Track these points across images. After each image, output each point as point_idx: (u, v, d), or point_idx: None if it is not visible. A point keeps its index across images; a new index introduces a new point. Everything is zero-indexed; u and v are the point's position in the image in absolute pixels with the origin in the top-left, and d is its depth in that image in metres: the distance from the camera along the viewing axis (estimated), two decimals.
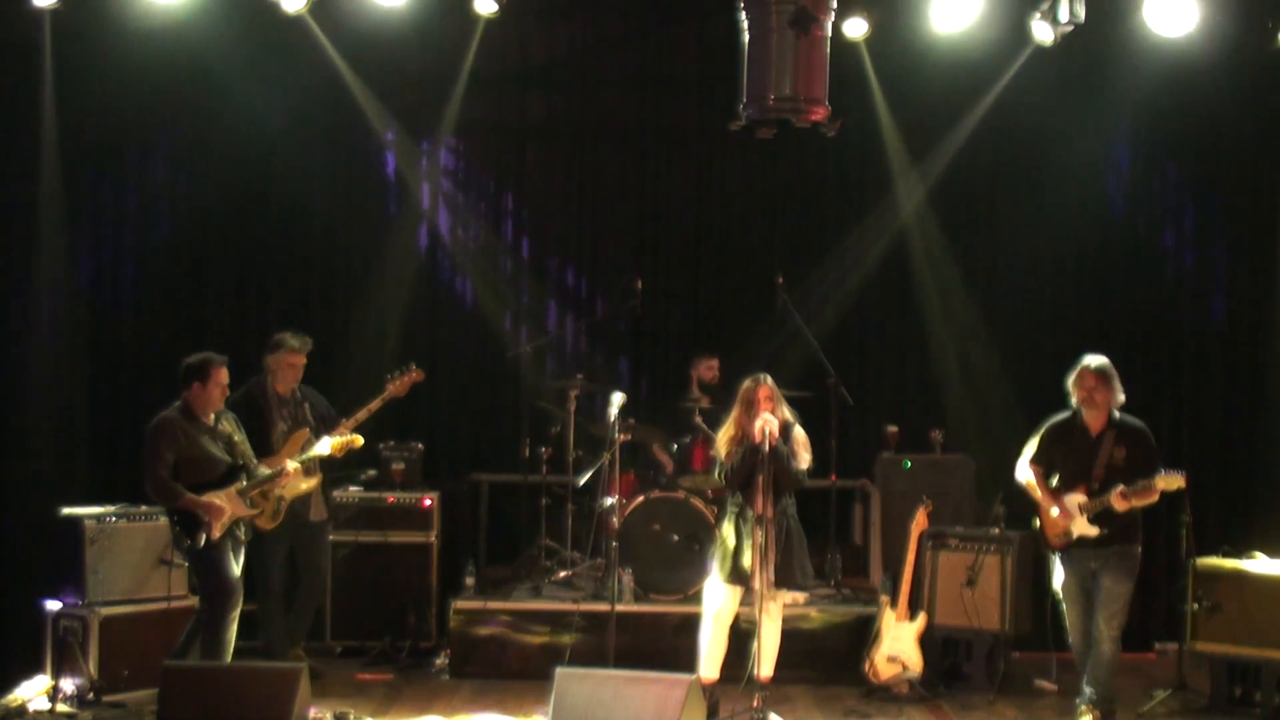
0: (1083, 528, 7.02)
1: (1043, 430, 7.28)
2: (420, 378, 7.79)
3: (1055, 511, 7.10)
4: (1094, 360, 7.14)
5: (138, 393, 9.05)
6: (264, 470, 7.17)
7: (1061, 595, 7.25)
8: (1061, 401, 7.28)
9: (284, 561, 7.87)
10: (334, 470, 8.21)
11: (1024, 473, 7.28)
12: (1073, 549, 7.09)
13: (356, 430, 7.58)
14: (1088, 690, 7.13)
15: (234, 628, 6.92)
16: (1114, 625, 7.02)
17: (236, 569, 6.99)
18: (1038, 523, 7.25)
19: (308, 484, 7.66)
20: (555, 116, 9.96)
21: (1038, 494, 7.21)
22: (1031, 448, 7.29)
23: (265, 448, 7.56)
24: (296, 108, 9.38)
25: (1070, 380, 7.16)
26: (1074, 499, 7.06)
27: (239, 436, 7.15)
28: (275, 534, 7.64)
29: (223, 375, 7.04)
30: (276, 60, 9.19)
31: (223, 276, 9.50)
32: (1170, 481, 6.85)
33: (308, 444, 7.51)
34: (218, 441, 7.03)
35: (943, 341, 9.75)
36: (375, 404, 7.65)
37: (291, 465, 7.29)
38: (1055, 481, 7.20)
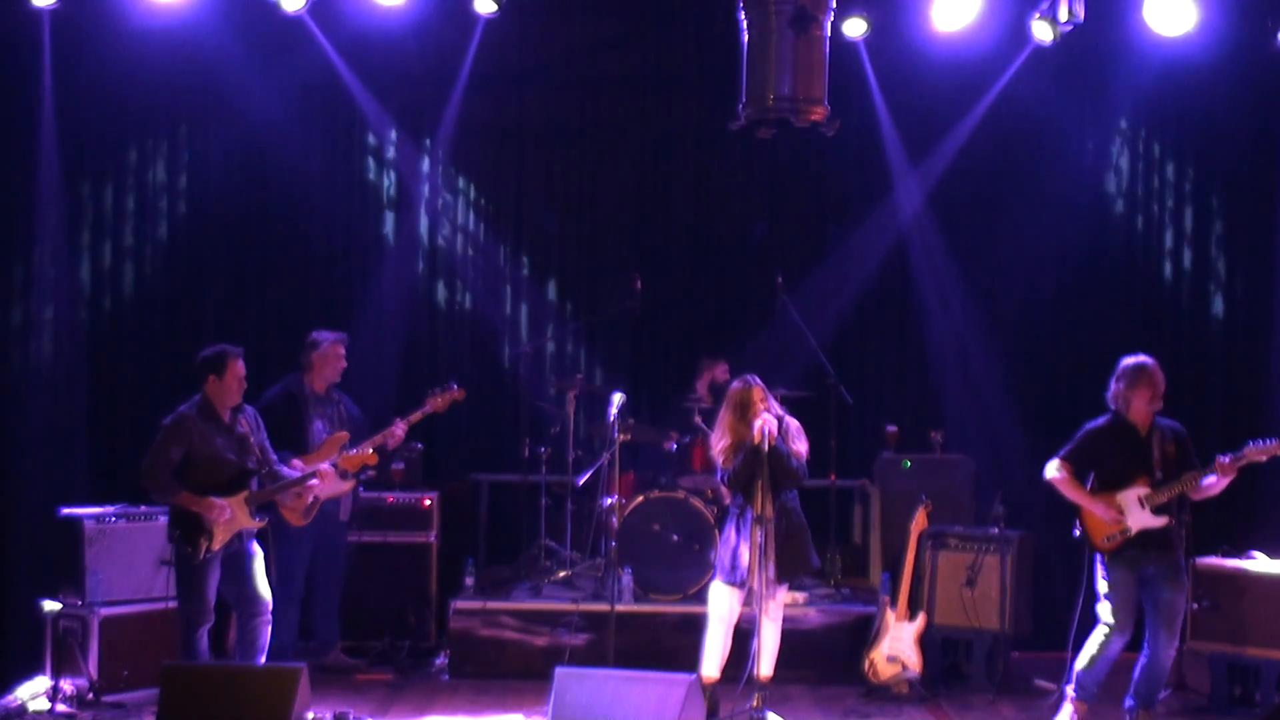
0: (1145, 520, 6.81)
1: (1083, 435, 7.01)
2: (461, 396, 7.72)
3: (1104, 510, 6.86)
4: (1152, 360, 6.98)
5: (138, 393, 9.07)
6: (284, 473, 7.05)
7: (1111, 597, 6.88)
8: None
9: (307, 562, 7.88)
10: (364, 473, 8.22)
11: (1059, 474, 6.97)
12: (1127, 549, 6.84)
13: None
14: (1078, 691, 7.00)
15: (205, 639, 6.80)
16: (1177, 639, 6.96)
17: (214, 589, 6.78)
18: (1078, 529, 6.98)
19: (342, 487, 7.67)
20: (555, 116, 9.96)
21: (1080, 496, 6.93)
22: (1068, 452, 7.00)
23: (301, 445, 7.62)
24: (296, 107, 9.38)
25: (1132, 381, 6.90)
26: (1132, 493, 6.84)
27: (255, 437, 6.93)
28: (301, 534, 7.65)
29: (239, 367, 6.86)
30: (276, 60, 9.18)
31: (223, 276, 9.48)
32: (1258, 453, 6.71)
33: (346, 446, 7.52)
34: (232, 442, 6.83)
35: (942, 341, 9.75)
36: (416, 416, 7.68)
37: (325, 467, 7.25)
38: (1094, 485, 6.96)
